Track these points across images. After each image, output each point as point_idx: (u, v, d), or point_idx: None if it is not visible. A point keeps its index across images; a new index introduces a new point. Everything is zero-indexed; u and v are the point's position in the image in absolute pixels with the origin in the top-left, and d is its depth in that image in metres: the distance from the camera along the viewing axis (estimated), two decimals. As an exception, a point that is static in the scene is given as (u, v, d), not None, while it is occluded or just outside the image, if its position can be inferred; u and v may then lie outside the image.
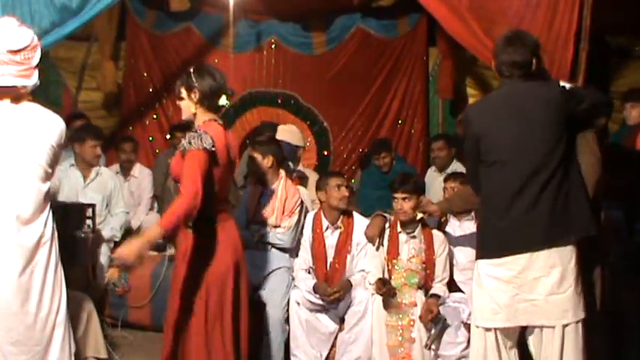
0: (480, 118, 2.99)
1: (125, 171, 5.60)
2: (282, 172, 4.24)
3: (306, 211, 4.25)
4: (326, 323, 3.97)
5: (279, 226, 4.14)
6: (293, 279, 4.12)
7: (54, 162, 2.85)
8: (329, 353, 3.98)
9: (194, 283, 3.10)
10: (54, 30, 3.74)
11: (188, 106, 3.18)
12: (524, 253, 2.83)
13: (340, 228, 4.08)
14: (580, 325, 2.88)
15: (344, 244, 4.05)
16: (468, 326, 3.71)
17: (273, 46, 6.75)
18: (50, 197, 2.89)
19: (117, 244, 4.92)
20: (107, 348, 3.82)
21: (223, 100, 3.18)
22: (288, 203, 4.15)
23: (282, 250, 4.17)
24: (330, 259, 4.06)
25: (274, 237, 4.13)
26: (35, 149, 2.75)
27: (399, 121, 6.72)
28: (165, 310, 3.30)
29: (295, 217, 4.14)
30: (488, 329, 2.95)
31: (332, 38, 6.74)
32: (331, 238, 4.08)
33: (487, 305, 2.93)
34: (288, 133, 5.03)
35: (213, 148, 2.99)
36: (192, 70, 3.18)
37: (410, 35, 6.68)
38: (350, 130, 6.77)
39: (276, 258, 4.16)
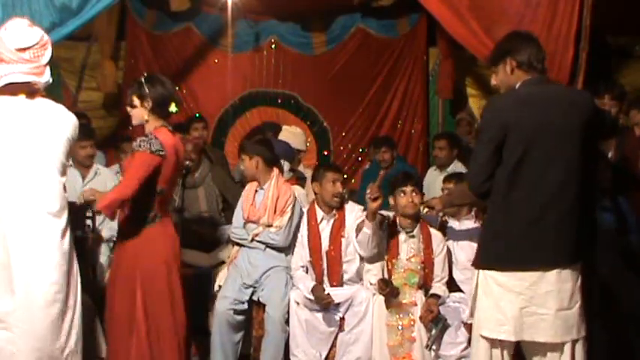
0: (513, 108, 2.72)
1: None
2: (275, 171, 4.22)
3: (301, 211, 4.22)
4: (326, 323, 3.97)
5: (272, 225, 4.14)
6: (291, 277, 4.12)
7: (69, 156, 2.93)
8: (329, 353, 3.97)
9: (128, 280, 3.30)
10: (54, 30, 3.73)
11: (141, 114, 3.36)
12: (550, 269, 2.69)
13: (335, 216, 4.07)
14: (585, 341, 2.79)
15: (338, 231, 4.02)
16: (468, 326, 3.71)
17: (273, 46, 6.76)
18: None
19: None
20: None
21: (173, 108, 3.39)
22: (280, 202, 4.13)
23: (278, 249, 4.17)
24: (325, 249, 4.04)
25: (267, 236, 4.13)
26: (53, 143, 2.80)
27: (399, 121, 6.73)
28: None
29: (287, 216, 4.11)
30: (494, 345, 2.79)
31: (332, 38, 6.75)
32: (327, 229, 4.06)
33: (493, 315, 2.76)
34: (292, 135, 5.04)
35: (161, 152, 3.22)
36: (143, 79, 3.37)
37: (410, 35, 6.69)
38: (350, 130, 6.77)
39: (272, 257, 4.14)
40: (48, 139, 2.79)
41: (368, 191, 3.73)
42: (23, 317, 2.68)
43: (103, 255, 4.58)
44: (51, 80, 2.86)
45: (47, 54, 2.82)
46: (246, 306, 4.09)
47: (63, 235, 2.79)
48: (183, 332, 3.38)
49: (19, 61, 2.75)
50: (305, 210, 4.22)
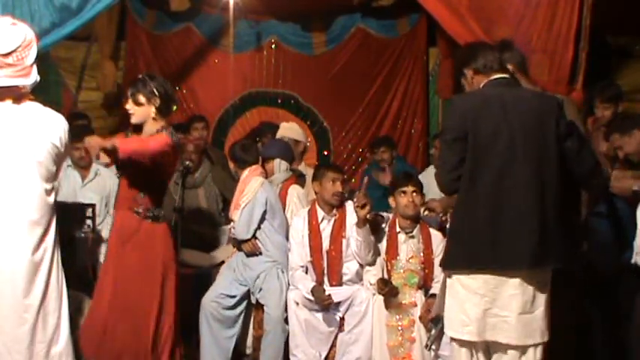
0: (473, 109, 2.76)
1: (125, 171, 5.59)
2: (247, 170, 4.20)
3: (268, 202, 4.13)
4: (326, 323, 3.97)
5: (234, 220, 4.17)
6: (284, 274, 4.12)
7: (58, 161, 2.82)
8: (328, 353, 3.97)
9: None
10: (54, 30, 3.74)
11: (147, 112, 3.31)
12: (512, 272, 2.68)
13: (335, 216, 4.07)
14: (543, 347, 2.78)
15: (339, 231, 4.03)
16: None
17: (273, 46, 6.75)
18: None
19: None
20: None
21: (173, 107, 3.40)
22: (241, 196, 4.14)
23: (274, 247, 4.17)
24: (326, 248, 4.04)
25: (231, 230, 4.17)
26: (37, 148, 2.72)
27: (399, 121, 6.73)
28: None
29: (240, 209, 4.10)
30: (462, 345, 2.81)
31: (332, 38, 6.75)
32: (327, 229, 4.07)
33: (458, 316, 2.78)
34: (289, 129, 5.06)
35: (177, 145, 3.29)
36: (147, 76, 3.33)
37: (410, 35, 6.68)
38: (350, 129, 6.77)
39: (264, 256, 4.15)
40: (31, 145, 2.70)
41: (355, 200, 3.74)
42: None
43: (103, 255, 4.58)
44: (39, 79, 2.75)
45: (32, 53, 2.70)
46: (235, 301, 4.09)
47: (40, 242, 2.71)
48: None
49: (3, 67, 2.65)
50: (295, 207, 4.28)
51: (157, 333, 3.30)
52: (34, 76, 2.74)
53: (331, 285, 4.00)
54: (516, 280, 2.70)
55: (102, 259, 4.51)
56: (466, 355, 2.82)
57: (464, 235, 2.76)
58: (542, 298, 2.74)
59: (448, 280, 2.85)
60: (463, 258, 2.75)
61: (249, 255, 4.14)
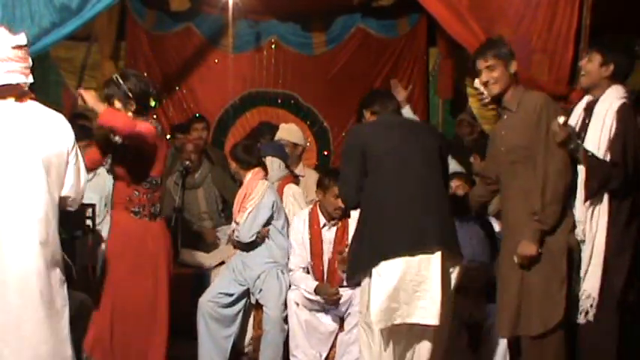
0: (368, 133, 3.27)
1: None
2: (252, 172, 4.19)
3: (275, 206, 4.17)
4: (326, 323, 3.97)
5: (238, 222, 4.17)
6: (284, 274, 4.12)
7: (62, 161, 2.77)
8: (329, 353, 3.97)
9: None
10: (54, 30, 3.74)
11: None
12: (421, 253, 2.99)
13: (338, 224, 4.07)
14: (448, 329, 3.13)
15: (341, 239, 4.02)
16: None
17: (273, 46, 6.74)
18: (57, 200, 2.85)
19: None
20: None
21: (152, 102, 3.33)
22: (247, 199, 4.14)
23: (276, 247, 4.17)
24: (328, 255, 4.04)
25: (235, 233, 4.16)
26: (42, 146, 2.69)
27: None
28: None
29: (246, 212, 4.10)
30: (380, 332, 3.03)
31: (332, 38, 6.74)
32: (328, 234, 4.06)
33: (388, 305, 2.99)
34: (288, 131, 5.05)
35: (161, 133, 3.29)
36: (120, 78, 3.27)
37: (410, 35, 6.68)
38: (350, 130, 6.77)
39: (264, 256, 4.15)
40: (36, 142, 2.66)
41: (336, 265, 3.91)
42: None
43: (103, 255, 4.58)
44: (32, 80, 2.75)
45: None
46: (232, 299, 4.10)
47: (47, 239, 2.67)
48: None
49: (15, 59, 2.63)
50: (292, 206, 4.32)
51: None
52: (31, 77, 2.73)
53: (332, 285, 3.99)
54: (431, 264, 2.99)
55: (102, 258, 4.54)
56: (393, 342, 3.06)
57: (377, 233, 3.07)
58: (450, 282, 3.09)
59: (374, 278, 3.03)
60: (384, 249, 3.02)
61: (249, 250, 4.15)
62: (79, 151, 2.86)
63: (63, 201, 2.82)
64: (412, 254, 2.99)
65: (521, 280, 3.09)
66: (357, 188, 3.18)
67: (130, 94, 3.23)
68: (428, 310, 3.00)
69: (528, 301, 3.06)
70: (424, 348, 3.11)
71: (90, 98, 3.16)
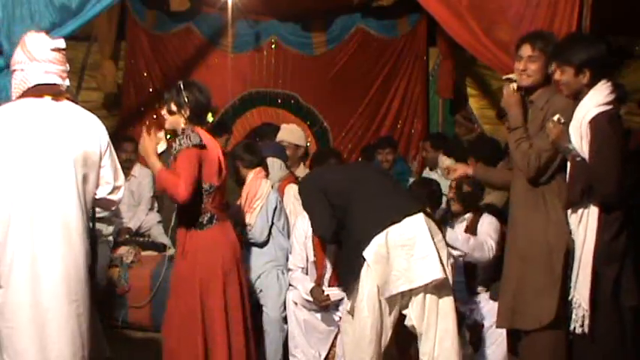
0: (326, 174, 3.64)
1: (125, 171, 5.56)
2: (253, 171, 4.19)
3: (277, 206, 4.18)
4: (325, 322, 3.97)
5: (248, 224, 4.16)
6: (284, 274, 4.12)
7: (95, 162, 2.79)
8: (328, 353, 3.98)
9: (190, 283, 3.20)
10: (54, 30, 3.73)
11: (177, 121, 3.30)
12: (406, 216, 3.13)
13: None
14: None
15: None
16: (468, 326, 3.73)
17: (273, 46, 6.75)
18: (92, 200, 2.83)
19: (116, 245, 4.95)
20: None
21: (209, 117, 3.34)
22: (253, 200, 4.14)
23: (276, 248, 4.18)
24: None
25: (248, 234, 4.15)
26: (75, 147, 2.70)
27: (399, 121, 6.73)
28: (164, 310, 3.38)
29: (255, 212, 4.10)
30: (390, 300, 3.14)
31: (332, 38, 6.75)
32: None
33: (388, 276, 3.09)
34: (288, 132, 5.05)
35: (202, 144, 3.15)
36: (182, 85, 3.29)
37: (410, 35, 6.69)
38: (350, 130, 6.77)
39: (264, 257, 4.16)
40: (72, 141, 2.69)
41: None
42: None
43: (103, 255, 4.59)
44: (68, 84, 2.85)
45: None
46: None
47: (81, 240, 2.70)
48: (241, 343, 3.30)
49: (54, 62, 2.73)
50: (293, 206, 4.30)
51: None
52: (68, 82, 2.83)
53: (331, 285, 4.00)
54: (416, 228, 3.12)
55: (102, 258, 4.54)
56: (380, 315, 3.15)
57: (364, 216, 3.23)
58: (437, 239, 3.18)
59: (370, 255, 3.10)
60: (374, 225, 3.14)
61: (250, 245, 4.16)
62: (113, 152, 2.88)
63: (99, 202, 2.85)
64: (398, 220, 3.12)
65: (520, 275, 3.12)
66: (332, 216, 3.37)
67: (187, 101, 3.25)
68: (428, 267, 3.08)
69: (524, 296, 3.10)
70: (443, 302, 3.16)
71: (150, 147, 3.25)
